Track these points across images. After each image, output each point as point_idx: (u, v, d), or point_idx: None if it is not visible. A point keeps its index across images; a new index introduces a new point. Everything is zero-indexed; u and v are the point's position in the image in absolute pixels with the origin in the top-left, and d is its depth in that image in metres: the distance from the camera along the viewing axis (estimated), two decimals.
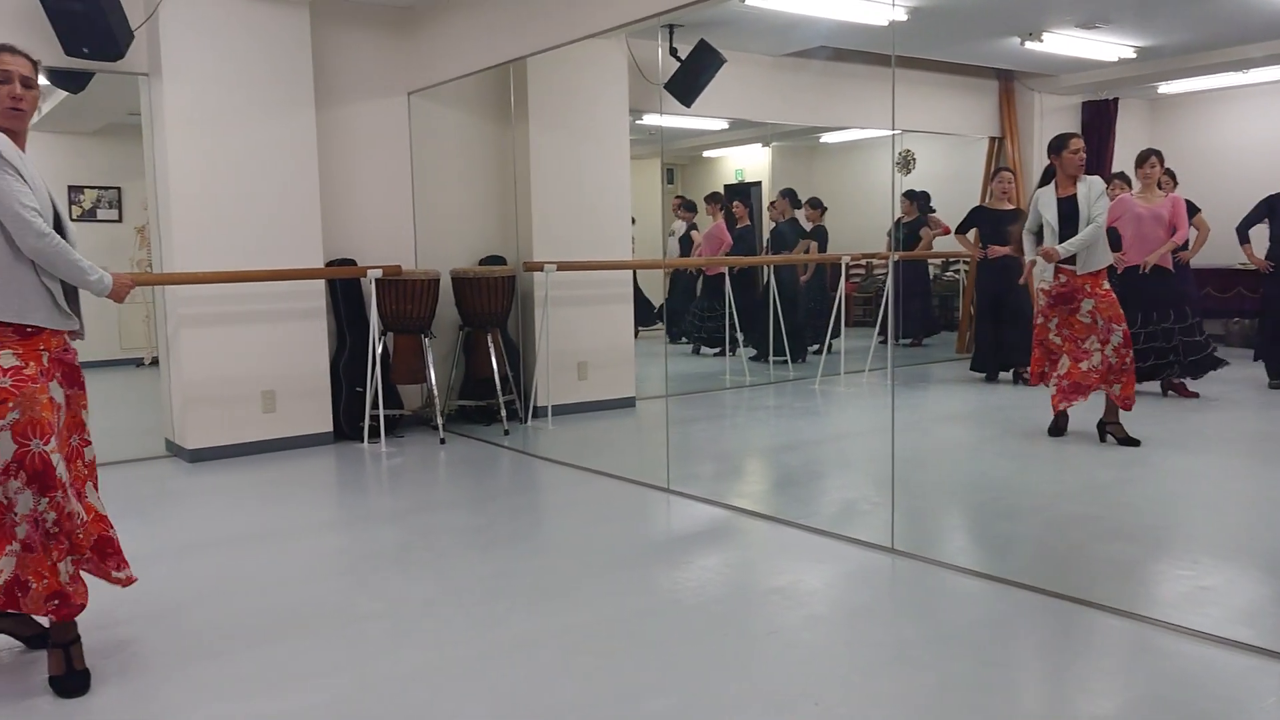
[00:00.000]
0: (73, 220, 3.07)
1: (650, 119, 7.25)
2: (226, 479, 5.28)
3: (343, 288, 6.27)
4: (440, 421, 6.16)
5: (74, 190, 9.25)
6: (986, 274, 7.18)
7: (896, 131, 7.74)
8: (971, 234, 7.19)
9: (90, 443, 2.98)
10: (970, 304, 8.30)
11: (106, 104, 7.56)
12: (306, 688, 2.74)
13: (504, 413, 6.31)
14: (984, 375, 7.23)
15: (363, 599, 3.44)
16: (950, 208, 7.95)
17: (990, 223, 6.94)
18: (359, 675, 2.81)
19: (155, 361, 8.76)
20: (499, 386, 6.26)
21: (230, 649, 3.01)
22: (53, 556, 2.70)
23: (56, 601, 2.71)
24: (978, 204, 7.63)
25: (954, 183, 8.73)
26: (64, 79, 5.61)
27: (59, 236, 2.71)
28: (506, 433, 6.23)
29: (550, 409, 6.48)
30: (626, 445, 6.39)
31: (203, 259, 5.53)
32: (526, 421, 6.50)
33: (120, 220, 9.48)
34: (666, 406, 5.59)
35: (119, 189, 9.48)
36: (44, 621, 2.93)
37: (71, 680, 2.73)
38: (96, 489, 2.99)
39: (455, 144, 6.71)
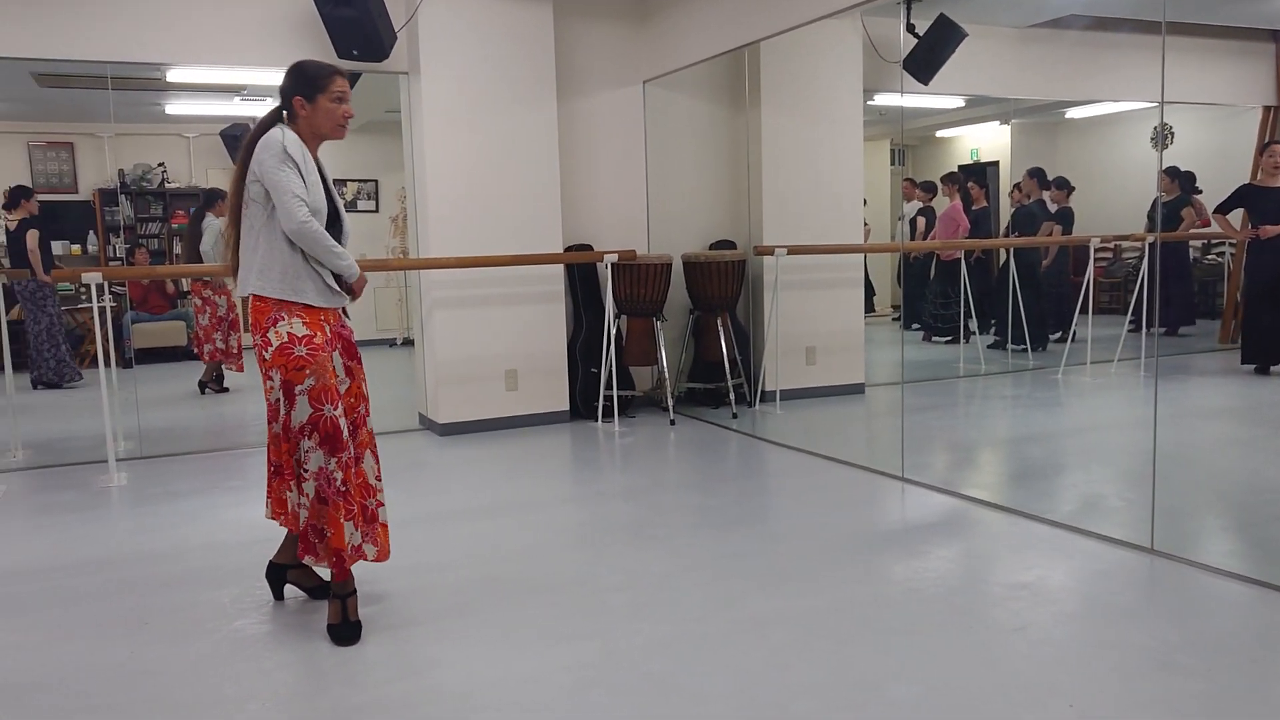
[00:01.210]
0: None
1: (882, 98, 7.07)
2: (474, 452, 5.61)
3: (580, 272, 6.51)
4: (670, 403, 6.29)
5: (337, 183, 10.00)
6: (1260, 257, 6.56)
7: (1153, 104, 7.18)
8: (1237, 214, 6.59)
9: (368, 414, 3.25)
10: (1237, 290, 7.61)
11: (367, 102, 8.14)
12: (553, 652, 2.88)
13: (732, 396, 6.36)
14: (1254, 367, 6.62)
15: (603, 571, 3.57)
16: (1215, 185, 7.30)
17: (1261, 201, 6.35)
18: (602, 643, 2.93)
19: (406, 342, 9.40)
20: (728, 370, 6.32)
21: (484, 610, 3.21)
22: (340, 514, 2.96)
23: (336, 557, 2.97)
24: (1246, 181, 6.98)
25: (1219, 158, 8.01)
26: None
27: (316, 223, 2.92)
28: (735, 416, 6.29)
29: (778, 393, 6.48)
30: (857, 432, 6.30)
31: (454, 245, 5.89)
32: (754, 405, 6.53)
33: (377, 210, 10.21)
34: (902, 393, 5.47)
35: (376, 181, 10.21)
36: (325, 575, 3.24)
37: (346, 629, 2.99)
38: (376, 459, 3.26)
39: (688, 130, 6.81)
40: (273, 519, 3.18)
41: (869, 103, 7.05)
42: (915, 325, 8.79)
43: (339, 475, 2.95)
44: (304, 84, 3.01)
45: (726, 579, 3.44)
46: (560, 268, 6.30)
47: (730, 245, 6.80)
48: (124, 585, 3.54)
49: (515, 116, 6.03)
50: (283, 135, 2.95)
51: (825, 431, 6.08)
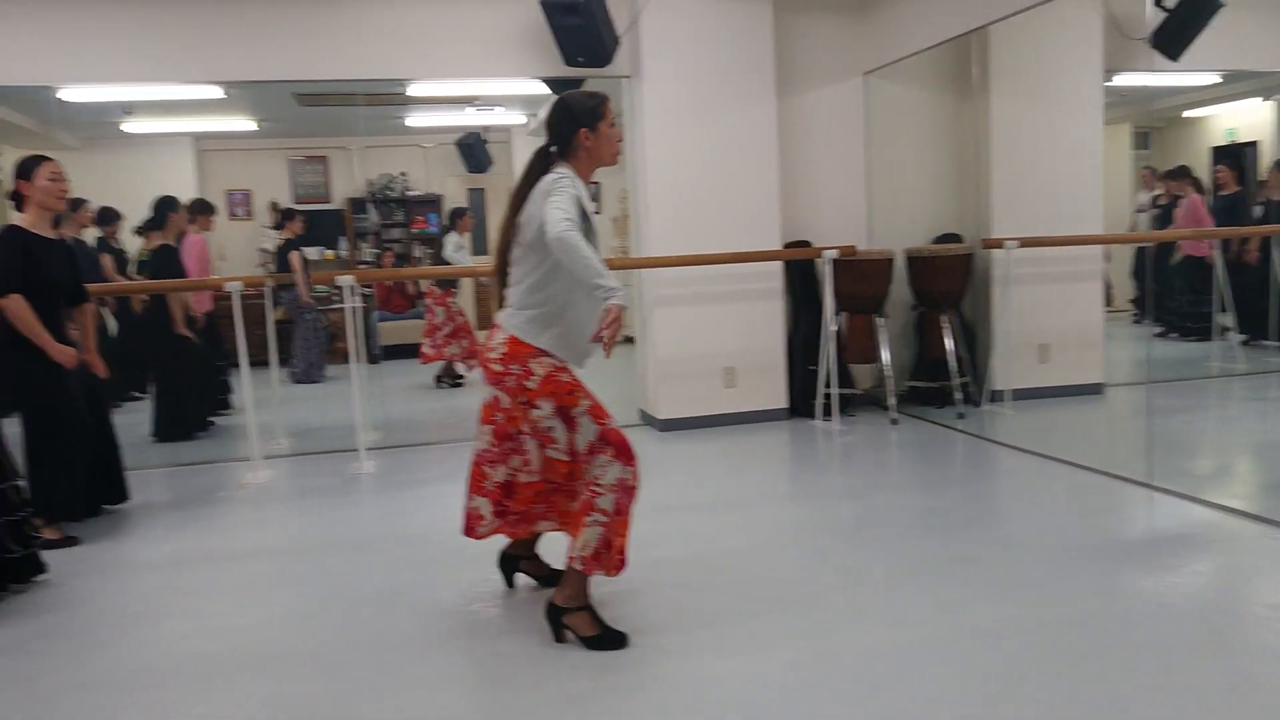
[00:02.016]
0: None
1: (1122, 79, 6.61)
2: (694, 448, 5.67)
3: (798, 268, 6.45)
4: (892, 402, 6.13)
5: None
6: None
7: None
8: None
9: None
10: None
11: None
12: (776, 650, 2.88)
13: (959, 395, 6.13)
14: None
15: (824, 571, 3.53)
16: None
17: None
18: (824, 644, 2.90)
19: (627, 340, 9.62)
20: (953, 368, 6.10)
21: (706, 605, 3.25)
22: (629, 519, 3.01)
23: (620, 557, 3.01)
24: None
25: None
26: (561, 87, 6.31)
27: (576, 233, 2.69)
28: (961, 416, 6.06)
29: (1008, 393, 6.18)
30: (1096, 434, 5.92)
31: (674, 244, 5.98)
32: (981, 405, 6.26)
33: (599, 212, 10.52)
34: (1148, 393, 5.10)
35: (598, 184, 10.51)
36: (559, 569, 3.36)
37: (615, 635, 2.97)
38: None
39: (909, 121, 6.62)
40: (490, 535, 3.29)
41: (1108, 84, 6.62)
42: (1156, 322, 8.16)
43: (632, 483, 2.97)
44: (586, 116, 2.94)
45: (953, 584, 3.33)
46: (779, 265, 6.27)
47: (956, 239, 6.55)
48: (374, 566, 3.82)
49: (735, 114, 6.05)
50: (574, 185, 2.84)
51: (1061, 433, 5.76)
